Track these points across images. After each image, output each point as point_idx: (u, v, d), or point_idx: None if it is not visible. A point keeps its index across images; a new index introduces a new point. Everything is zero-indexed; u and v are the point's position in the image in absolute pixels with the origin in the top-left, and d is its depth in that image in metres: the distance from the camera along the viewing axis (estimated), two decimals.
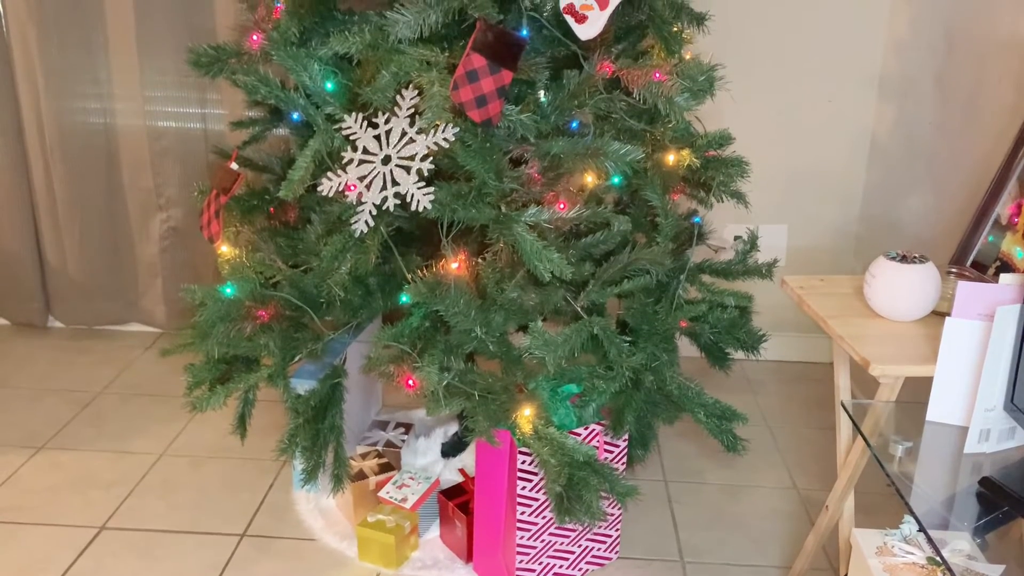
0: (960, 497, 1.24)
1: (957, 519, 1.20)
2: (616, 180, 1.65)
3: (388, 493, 1.88)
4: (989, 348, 1.26)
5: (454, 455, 2.12)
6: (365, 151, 1.58)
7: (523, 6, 1.55)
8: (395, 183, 1.55)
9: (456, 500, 1.85)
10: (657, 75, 1.52)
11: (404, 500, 1.86)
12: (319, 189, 1.59)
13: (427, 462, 2.09)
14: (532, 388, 1.65)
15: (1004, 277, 1.32)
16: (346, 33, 1.57)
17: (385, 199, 1.55)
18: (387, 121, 1.58)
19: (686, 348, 1.95)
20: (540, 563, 1.78)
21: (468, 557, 1.84)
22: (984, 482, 1.23)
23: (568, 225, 1.63)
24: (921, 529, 1.19)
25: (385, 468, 1.94)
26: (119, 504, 2.01)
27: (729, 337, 1.87)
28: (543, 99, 1.62)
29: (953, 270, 1.65)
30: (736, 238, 1.93)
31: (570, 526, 1.78)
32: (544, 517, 1.75)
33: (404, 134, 1.56)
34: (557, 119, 1.63)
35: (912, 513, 1.19)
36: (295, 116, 1.75)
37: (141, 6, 2.51)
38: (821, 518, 1.76)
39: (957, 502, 1.23)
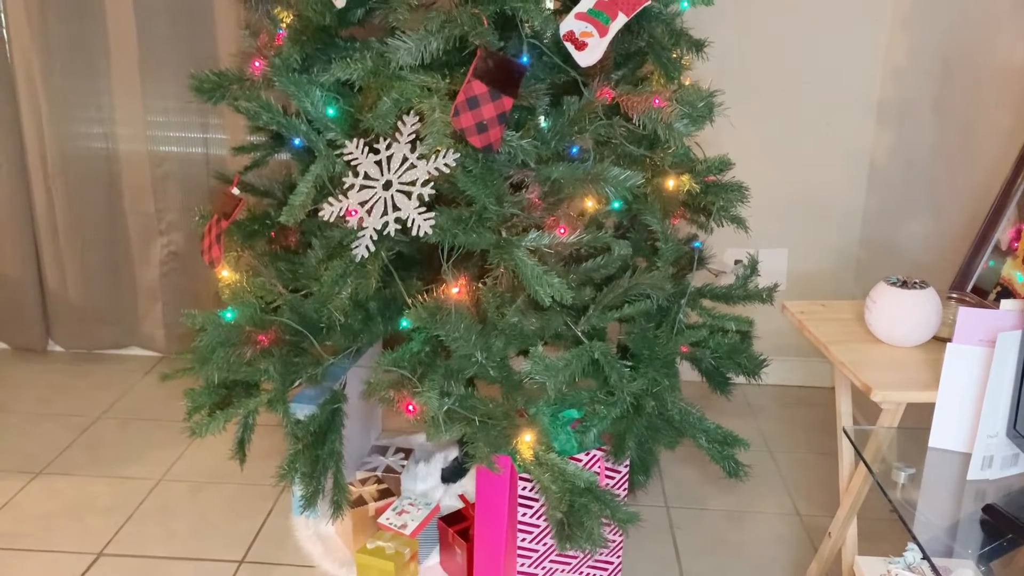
0: (964, 524, 1.23)
1: (961, 547, 1.19)
2: (616, 205, 1.66)
3: (388, 519, 1.86)
4: (991, 374, 1.26)
5: (454, 481, 2.11)
6: (366, 176, 1.59)
7: (524, 33, 1.56)
8: (396, 208, 1.56)
9: (456, 526, 1.84)
10: (657, 101, 1.52)
11: (404, 526, 1.84)
12: (320, 214, 1.60)
13: (427, 488, 2.08)
14: (533, 413, 1.64)
15: (1005, 303, 1.31)
16: (348, 60, 1.59)
17: (386, 224, 1.55)
18: (388, 147, 1.59)
19: (687, 373, 1.95)
20: None
21: None
22: (988, 509, 1.23)
23: (568, 250, 1.63)
24: (925, 557, 1.18)
25: (385, 494, 1.93)
26: (117, 530, 2.00)
27: (730, 362, 1.87)
28: (543, 125, 1.63)
29: (954, 295, 1.65)
30: (736, 262, 1.93)
31: (571, 553, 1.77)
32: (545, 544, 1.74)
33: (405, 160, 1.57)
34: (557, 145, 1.64)
35: (916, 540, 1.18)
36: (297, 142, 1.76)
37: (144, 32, 2.53)
38: (824, 545, 1.75)
39: (961, 529, 1.23)
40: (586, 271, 1.67)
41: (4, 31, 2.58)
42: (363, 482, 1.97)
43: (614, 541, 1.81)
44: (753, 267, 1.92)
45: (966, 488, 1.29)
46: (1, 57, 2.59)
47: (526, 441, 1.60)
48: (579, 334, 1.68)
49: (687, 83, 1.77)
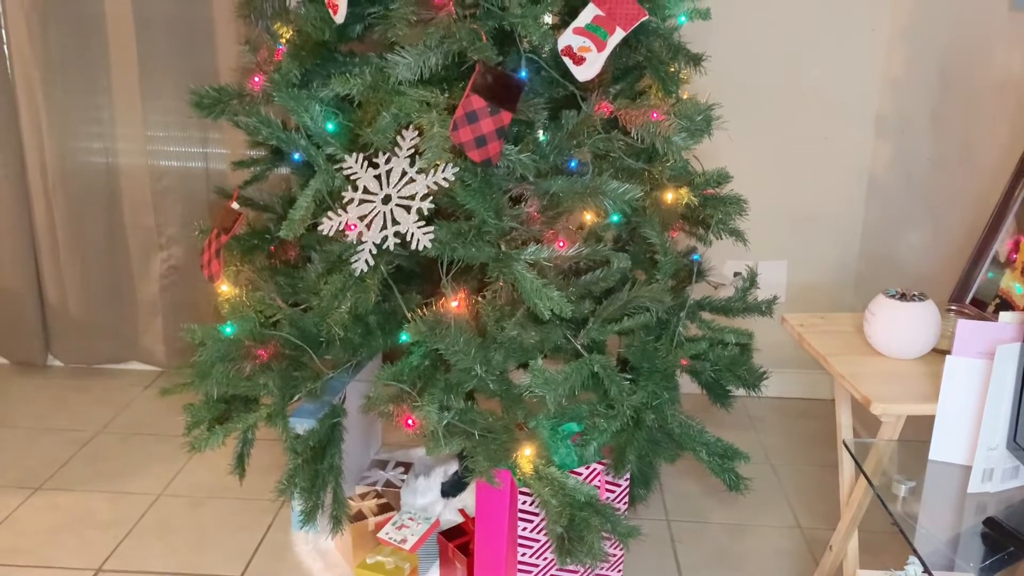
0: (965, 537, 1.23)
1: (962, 560, 1.19)
2: (615, 218, 1.66)
3: (387, 534, 1.86)
4: (990, 387, 1.26)
5: (454, 495, 2.10)
6: (365, 191, 1.59)
7: (522, 48, 1.57)
8: (395, 222, 1.56)
9: (456, 541, 1.83)
10: (655, 115, 1.53)
11: (403, 541, 1.84)
12: (320, 228, 1.60)
13: (427, 502, 2.07)
14: (532, 427, 1.64)
15: (1004, 315, 1.32)
16: (347, 75, 1.59)
17: (385, 238, 1.56)
18: (387, 161, 1.59)
19: (687, 385, 1.94)
20: None
21: None
22: (988, 522, 1.22)
23: (568, 263, 1.63)
24: (926, 570, 1.18)
25: (384, 508, 1.93)
26: (116, 545, 1.99)
27: (730, 374, 1.87)
28: (542, 139, 1.63)
29: (953, 307, 1.66)
30: (736, 275, 1.93)
31: (572, 567, 1.76)
32: (545, 559, 1.73)
33: (404, 174, 1.57)
34: (556, 158, 1.64)
35: (916, 554, 1.18)
36: (296, 156, 1.77)
37: (144, 48, 2.54)
38: (825, 558, 1.74)
39: (962, 542, 1.22)
40: (585, 284, 1.67)
41: (5, 46, 2.59)
42: (363, 496, 1.96)
43: (615, 555, 1.81)
44: (752, 279, 1.92)
45: (967, 501, 1.29)
46: (2, 72, 2.60)
47: (526, 455, 1.60)
48: (579, 347, 1.68)
49: (685, 97, 1.78)
